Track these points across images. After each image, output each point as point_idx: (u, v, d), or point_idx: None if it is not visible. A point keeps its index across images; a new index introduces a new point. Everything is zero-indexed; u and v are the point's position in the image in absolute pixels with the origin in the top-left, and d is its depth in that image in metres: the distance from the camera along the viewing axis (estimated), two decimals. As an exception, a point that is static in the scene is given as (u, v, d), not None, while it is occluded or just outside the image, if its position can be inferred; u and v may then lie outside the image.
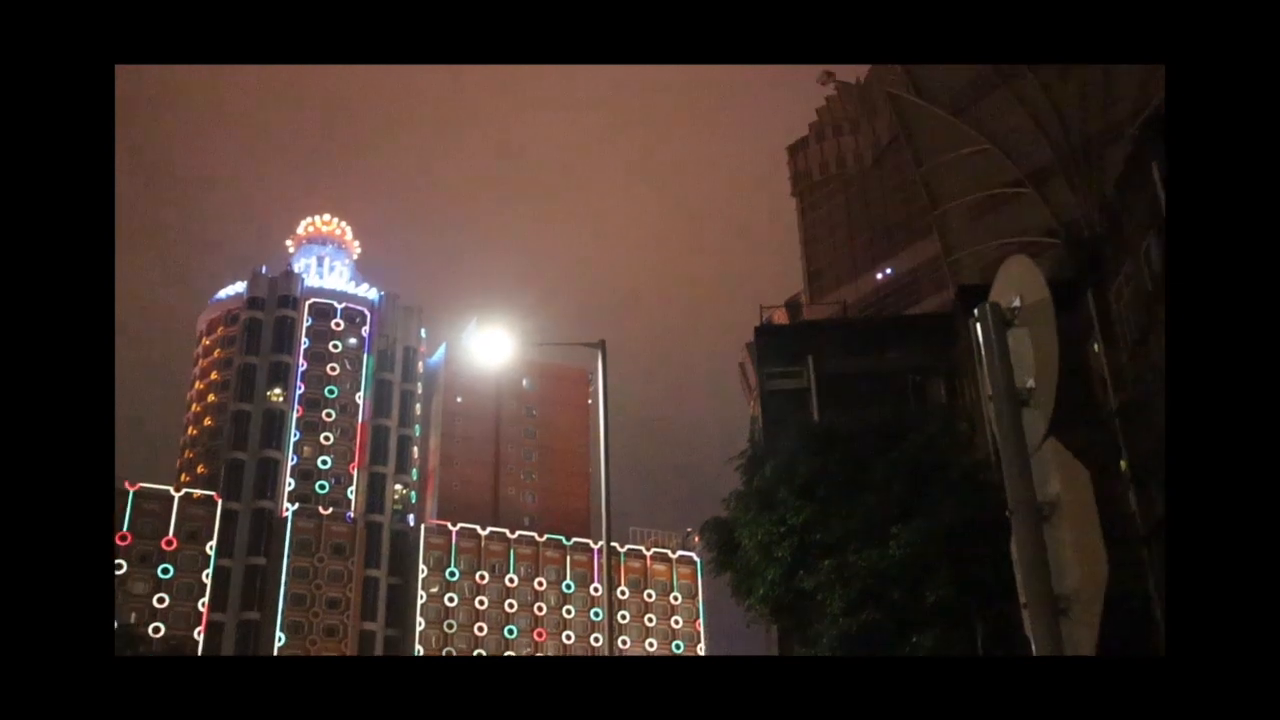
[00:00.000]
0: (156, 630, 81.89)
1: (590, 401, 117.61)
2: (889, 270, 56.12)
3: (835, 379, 30.96)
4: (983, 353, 4.58)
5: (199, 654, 75.82)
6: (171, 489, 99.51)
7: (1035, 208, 40.84)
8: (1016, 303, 4.57)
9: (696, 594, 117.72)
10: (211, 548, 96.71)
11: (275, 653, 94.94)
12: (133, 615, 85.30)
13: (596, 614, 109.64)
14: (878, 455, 17.75)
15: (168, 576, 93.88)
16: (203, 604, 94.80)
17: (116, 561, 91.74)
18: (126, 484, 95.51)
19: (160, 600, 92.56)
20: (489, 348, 19.96)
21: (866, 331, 37.18)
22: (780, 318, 52.93)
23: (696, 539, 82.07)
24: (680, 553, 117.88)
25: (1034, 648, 4.18)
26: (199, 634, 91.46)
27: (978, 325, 4.63)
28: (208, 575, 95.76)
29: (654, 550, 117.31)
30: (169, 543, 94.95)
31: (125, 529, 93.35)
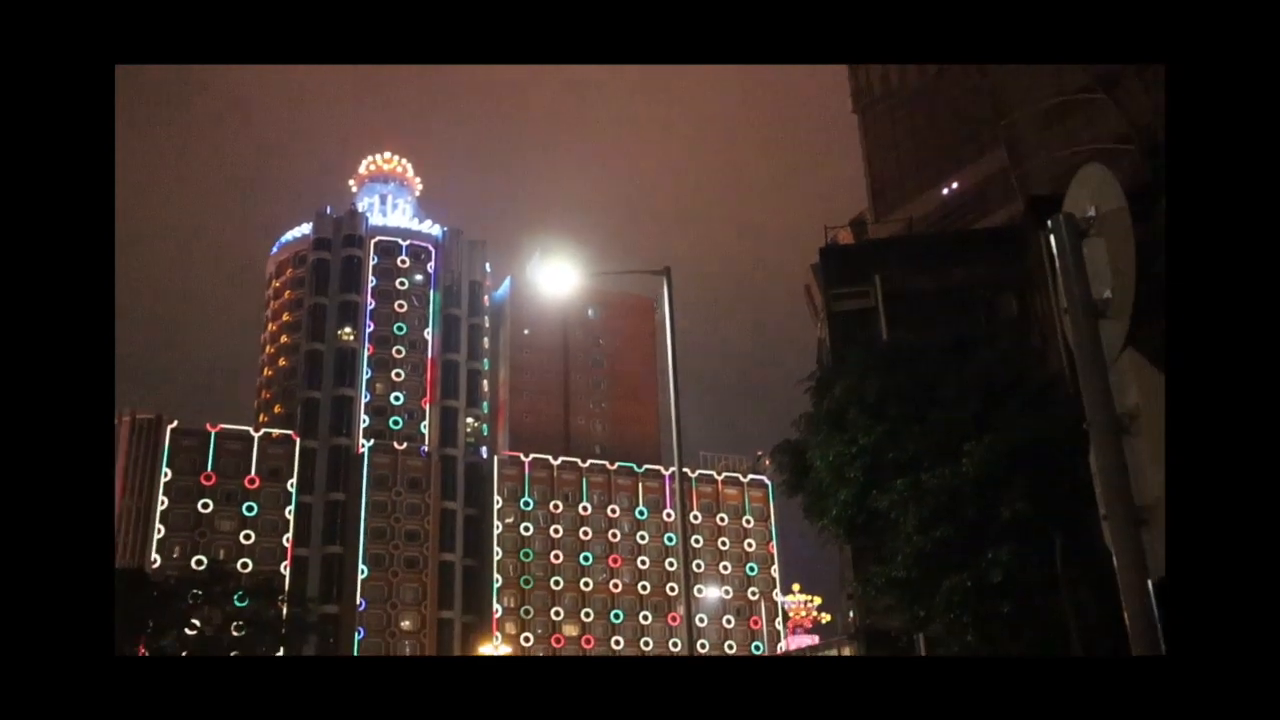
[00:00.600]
0: (245, 566, 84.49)
1: (656, 329, 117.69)
2: (955, 185, 55.00)
3: (903, 297, 30.57)
4: (1057, 264, 4.52)
5: (286, 588, 78.10)
6: (251, 429, 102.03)
7: (1107, 113, 39.64)
8: (1091, 212, 4.49)
9: (769, 517, 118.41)
10: (292, 485, 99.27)
11: (359, 585, 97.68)
12: (221, 552, 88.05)
13: (670, 539, 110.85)
14: (948, 372, 17.56)
15: (252, 514, 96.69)
16: (287, 539, 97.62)
17: (203, 500, 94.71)
18: (208, 426, 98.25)
19: (247, 537, 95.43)
20: (553, 279, 19.98)
21: (934, 248, 36.52)
22: (845, 238, 52.24)
23: (767, 462, 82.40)
24: (751, 476, 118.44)
25: (1115, 560, 4.16)
26: (285, 568, 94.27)
27: (1051, 237, 4.56)
28: (290, 511, 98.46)
29: (725, 475, 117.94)
30: (251, 481, 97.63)
31: (210, 469, 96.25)
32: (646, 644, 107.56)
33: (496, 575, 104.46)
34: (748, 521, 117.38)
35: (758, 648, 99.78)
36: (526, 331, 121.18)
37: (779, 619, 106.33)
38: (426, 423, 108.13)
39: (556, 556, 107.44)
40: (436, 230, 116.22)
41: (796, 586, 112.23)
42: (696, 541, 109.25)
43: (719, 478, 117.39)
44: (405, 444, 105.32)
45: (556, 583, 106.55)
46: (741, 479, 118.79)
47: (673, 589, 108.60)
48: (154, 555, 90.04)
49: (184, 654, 50.61)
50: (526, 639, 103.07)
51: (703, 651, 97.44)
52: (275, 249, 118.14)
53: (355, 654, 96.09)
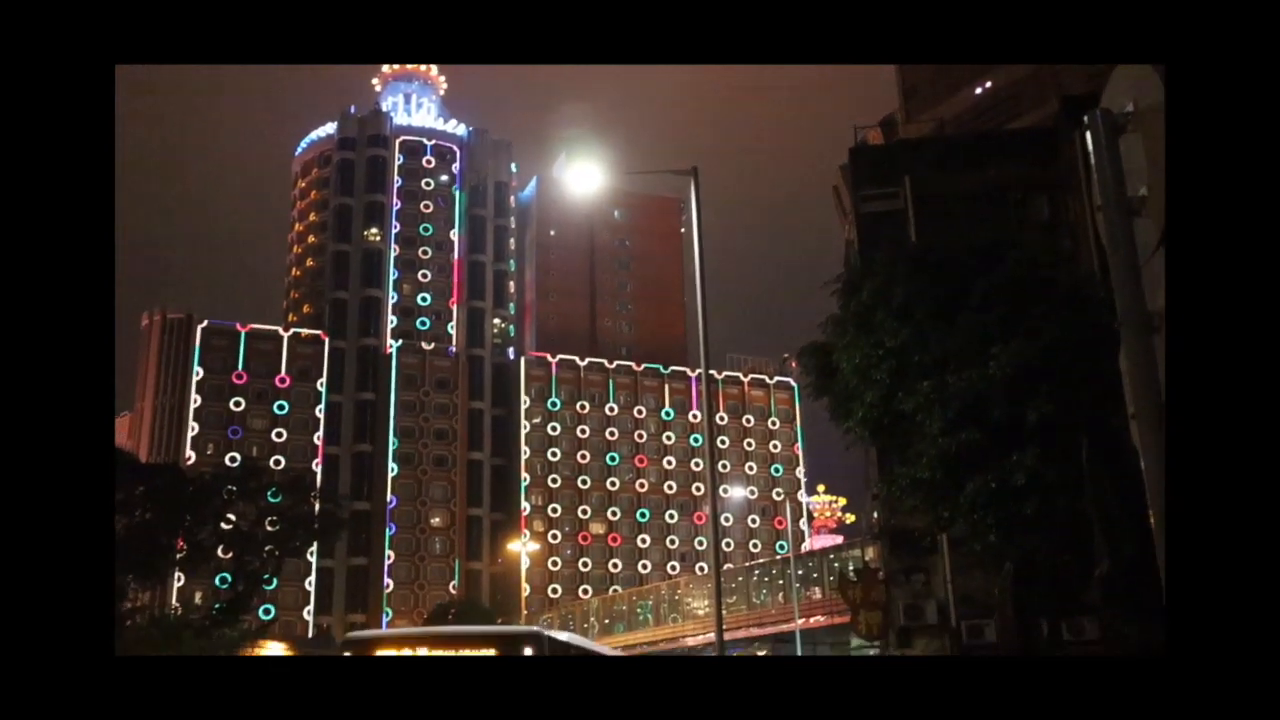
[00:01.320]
0: (277, 463, 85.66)
1: (683, 230, 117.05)
2: (988, 84, 53.85)
3: (933, 199, 30.17)
4: (1093, 161, 4.45)
5: (318, 485, 79.52)
6: (280, 329, 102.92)
7: (1148, 8, 38.49)
8: (1130, 108, 4.41)
9: (794, 419, 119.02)
10: (322, 384, 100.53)
11: (389, 482, 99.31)
12: (254, 449, 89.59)
13: (696, 440, 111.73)
14: (977, 274, 17.41)
15: (283, 412, 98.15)
16: (318, 438, 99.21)
17: (235, 399, 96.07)
18: (239, 326, 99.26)
19: (279, 435, 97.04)
20: (580, 179, 19.89)
21: (965, 148, 35.88)
22: (875, 138, 51.39)
23: (793, 364, 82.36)
24: (777, 379, 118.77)
25: (1142, 460, 4.18)
26: (317, 465, 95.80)
27: (1088, 133, 4.49)
28: (320, 410, 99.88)
29: (751, 377, 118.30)
30: (282, 380, 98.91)
31: (240, 368, 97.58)
32: (672, 542, 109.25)
33: (524, 474, 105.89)
34: (773, 423, 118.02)
35: (782, 547, 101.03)
36: (553, 233, 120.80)
37: (803, 519, 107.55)
38: (453, 323, 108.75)
39: (583, 456, 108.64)
40: (462, 130, 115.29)
41: (821, 487, 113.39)
42: (722, 443, 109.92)
43: (745, 380, 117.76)
44: (433, 344, 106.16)
45: (584, 482, 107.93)
46: (768, 381, 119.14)
47: (698, 489, 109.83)
48: (188, 452, 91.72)
49: (220, 548, 51.76)
50: (554, 536, 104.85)
51: (728, 550, 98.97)
52: (300, 149, 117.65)
53: (386, 549, 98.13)
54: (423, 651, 12.93)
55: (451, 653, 12.91)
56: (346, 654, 13.33)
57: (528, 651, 12.35)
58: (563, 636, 15.00)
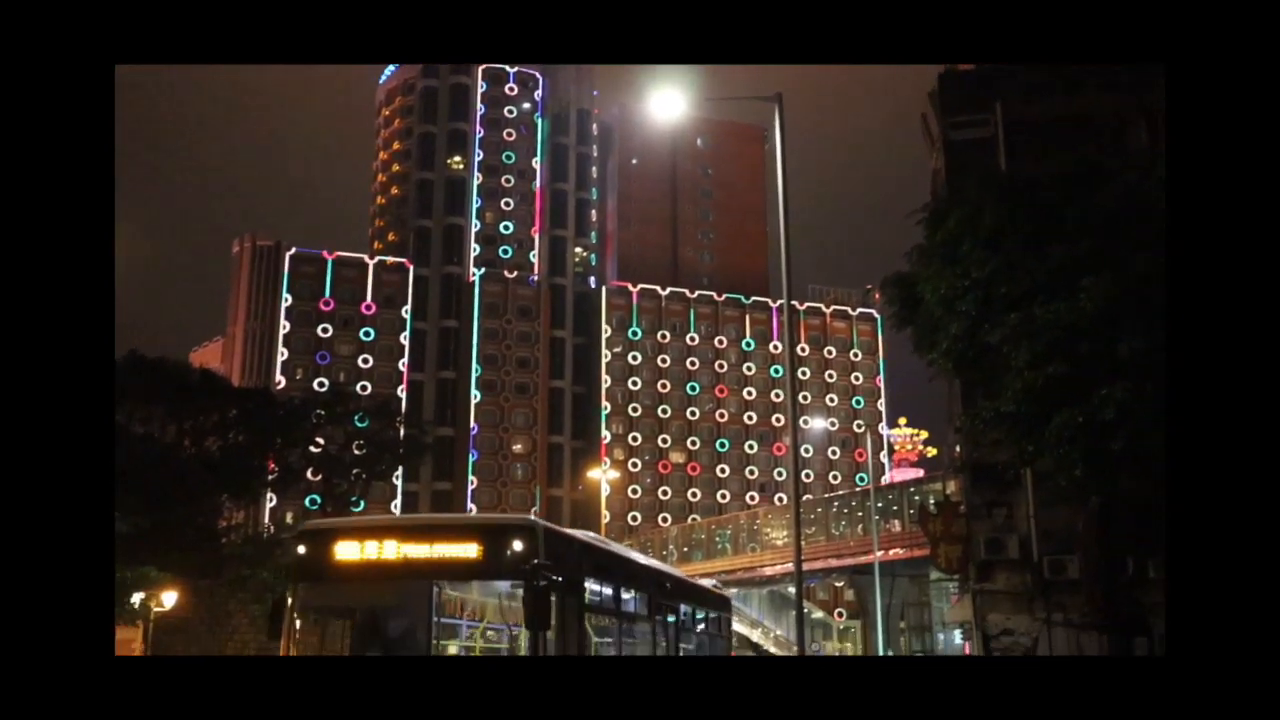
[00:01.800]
0: (364, 388, 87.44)
1: (766, 159, 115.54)
2: (1088, 4, 51.93)
3: (1025, 126, 29.27)
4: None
5: (403, 410, 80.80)
6: (365, 257, 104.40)
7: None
8: (1239, 26, 4.22)
9: (876, 350, 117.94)
10: (407, 311, 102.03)
11: (472, 409, 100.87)
12: (341, 375, 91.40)
13: (776, 371, 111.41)
14: (1069, 204, 16.91)
15: (369, 339, 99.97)
16: (403, 364, 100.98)
17: (322, 325, 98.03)
18: (325, 253, 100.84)
19: (365, 361, 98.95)
20: (662, 107, 19.68)
21: (1060, 73, 34.79)
22: (965, 64, 50.05)
23: (877, 295, 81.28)
24: (860, 310, 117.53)
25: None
26: (402, 391, 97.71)
27: (1193, 54, 4.32)
28: (405, 338, 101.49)
29: (833, 308, 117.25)
30: (368, 307, 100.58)
31: (328, 295, 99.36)
32: (751, 473, 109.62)
33: (605, 403, 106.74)
34: (855, 355, 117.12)
35: (862, 479, 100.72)
36: (634, 161, 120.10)
37: (884, 452, 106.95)
38: (535, 252, 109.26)
39: (664, 386, 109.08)
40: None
41: (903, 420, 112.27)
42: (803, 374, 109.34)
43: (827, 311, 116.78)
44: (515, 273, 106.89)
45: (664, 411, 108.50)
46: (850, 312, 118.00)
47: (778, 420, 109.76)
48: (278, 377, 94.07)
49: (309, 470, 53.14)
50: (634, 465, 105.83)
51: (807, 482, 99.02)
52: (384, 77, 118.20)
53: (470, 474, 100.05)
54: (391, 544, 10.90)
55: (427, 548, 10.93)
56: (300, 549, 11.42)
57: (518, 546, 10.27)
58: (566, 531, 12.62)
